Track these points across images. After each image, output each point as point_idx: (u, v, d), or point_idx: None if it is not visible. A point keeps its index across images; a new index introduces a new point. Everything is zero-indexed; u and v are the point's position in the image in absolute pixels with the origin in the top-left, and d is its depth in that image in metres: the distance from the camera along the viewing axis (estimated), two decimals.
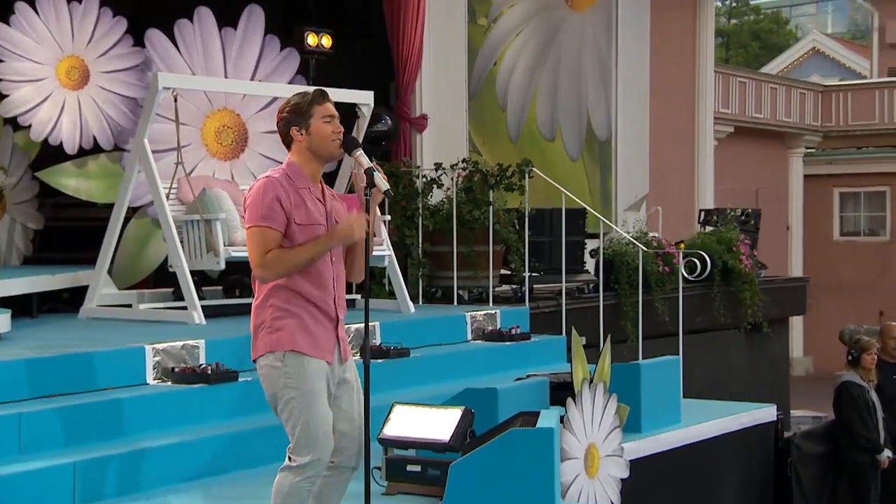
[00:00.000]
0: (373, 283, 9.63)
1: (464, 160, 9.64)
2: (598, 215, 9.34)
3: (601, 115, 12.77)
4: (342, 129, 4.47)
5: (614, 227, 9.94)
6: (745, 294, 11.72)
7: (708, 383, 10.95)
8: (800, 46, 38.86)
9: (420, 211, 9.60)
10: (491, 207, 9.30)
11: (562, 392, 6.70)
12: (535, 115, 11.98)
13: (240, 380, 6.55)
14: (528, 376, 7.03)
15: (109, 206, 9.13)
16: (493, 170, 9.45)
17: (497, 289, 9.65)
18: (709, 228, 12.63)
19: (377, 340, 7.75)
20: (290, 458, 4.36)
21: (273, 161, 9.74)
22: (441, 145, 10.50)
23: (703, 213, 13.22)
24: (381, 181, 4.44)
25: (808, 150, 23.74)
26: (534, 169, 9.30)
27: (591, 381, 6.70)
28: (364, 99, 8.84)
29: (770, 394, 12.37)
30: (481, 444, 5.50)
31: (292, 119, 4.46)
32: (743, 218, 12.16)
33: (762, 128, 21.77)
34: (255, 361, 4.46)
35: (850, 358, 9.06)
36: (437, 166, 9.66)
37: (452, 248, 9.37)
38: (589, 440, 6.46)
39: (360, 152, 4.49)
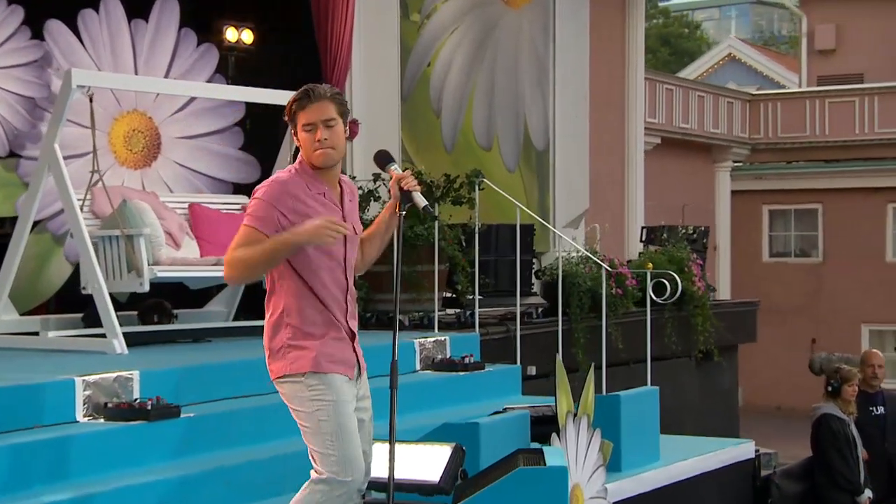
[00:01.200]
0: None
1: (406, 170, 9.54)
2: (559, 232, 9.35)
3: (538, 121, 12.82)
4: (326, 137, 4.40)
5: (575, 244, 9.95)
6: (697, 319, 11.85)
7: (662, 416, 11.01)
8: (715, 53, 39.68)
9: None
10: (436, 222, 9.21)
11: (543, 427, 6.68)
12: (470, 121, 12.00)
13: (182, 415, 6.36)
14: (504, 409, 6.96)
15: None
16: (440, 181, 9.38)
17: (439, 313, 9.57)
18: (652, 247, 12.77)
19: None
20: (316, 472, 4.39)
21: (190, 171, 9.56)
22: (373, 154, 10.36)
23: (644, 231, 13.34)
24: (419, 197, 4.48)
25: (736, 164, 24.20)
26: (485, 180, 9.27)
27: (576, 415, 6.68)
28: None
29: (721, 428, 12.53)
30: (477, 485, 5.42)
31: (288, 121, 4.49)
32: (695, 236, 12.31)
33: (689, 139, 22.12)
34: (273, 382, 4.50)
35: (829, 389, 9.17)
36: (376, 177, 9.57)
37: (392, 267, 9.26)
38: (574, 480, 6.43)
39: (394, 167, 4.56)
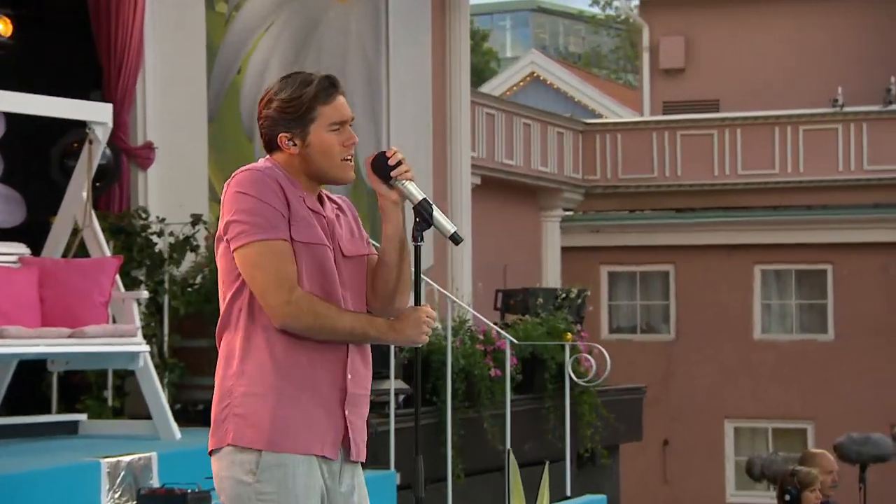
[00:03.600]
0: (89, 397, 9.28)
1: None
2: (442, 290, 9.30)
3: (370, 150, 12.77)
4: (356, 141, 4.38)
5: (466, 307, 9.95)
6: (583, 408, 11.97)
7: None
8: (515, 70, 40.54)
9: (166, 286, 9.41)
10: None
11: None
12: None
13: None
14: None
15: None
16: None
17: None
18: (512, 316, 12.89)
19: (154, 480, 7.45)
20: None
21: None
22: (173, 189, 10.36)
23: (501, 295, 13.45)
24: (444, 221, 4.37)
25: (567, 213, 24.65)
26: None
27: None
28: (99, 114, 8.56)
29: None
30: None
31: (282, 121, 4.35)
32: (579, 301, 12.49)
33: (513, 180, 22.42)
34: (210, 454, 4.30)
35: (786, 498, 9.34)
36: (196, 219, 9.43)
37: (216, 341, 9.12)
38: None
39: (405, 182, 4.40)
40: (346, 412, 4.29)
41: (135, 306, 8.40)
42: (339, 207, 4.49)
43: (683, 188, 24.95)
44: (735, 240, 24.63)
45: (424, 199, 4.34)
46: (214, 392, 4.31)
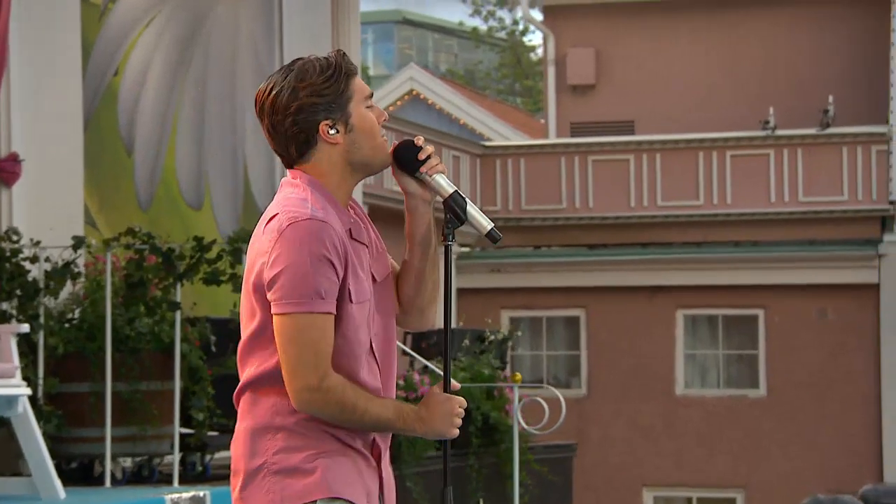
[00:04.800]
0: None
1: (130, 231, 9.40)
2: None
3: (263, 167, 12.86)
4: (387, 116, 4.38)
5: (406, 348, 9.89)
6: (510, 467, 11.95)
7: None
8: (393, 88, 40.65)
9: (41, 320, 9.35)
10: (177, 313, 9.15)
11: None
12: (174, 164, 12.10)
13: None
14: None
15: None
16: (185, 249, 9.38)
17: (168, 457, 9.50)
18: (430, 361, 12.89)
19: None
20: None
21: None
22: (42, 208, 10.38)
23: (411, 337, 13.43)
24: (480, 216, 4.37)
25: (464, 250, 24.68)
26: None
27: None
28: None
29: None
30: None
31: (322, 106, 4.28)
32: (508, 345, 12.51)
33: (403, 210, 22.30)
34: None
35: None
36: (78, 242, 9.46)
37: (102, 386, 9.22)
38: None
39: (435, 175, 4.40)
40: (381, 468, 4.36)
41: (13, 342, 8.27)
42: (356, 212, 4.46)
43: (595, 221, 25.09)
44: (654, 281, 24.76)
45: (456, 191, 4.31)
46: (237, 444, 4.30)
